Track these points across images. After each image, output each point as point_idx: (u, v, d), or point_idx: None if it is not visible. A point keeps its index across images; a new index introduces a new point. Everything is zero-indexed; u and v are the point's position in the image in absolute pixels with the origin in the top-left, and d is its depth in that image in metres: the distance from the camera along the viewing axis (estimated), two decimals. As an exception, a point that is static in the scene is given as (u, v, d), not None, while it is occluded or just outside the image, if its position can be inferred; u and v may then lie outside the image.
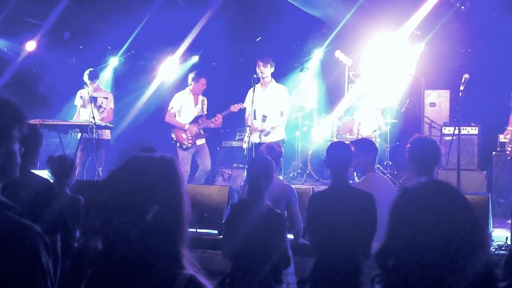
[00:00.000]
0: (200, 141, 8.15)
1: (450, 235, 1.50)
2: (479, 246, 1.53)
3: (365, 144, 4.87)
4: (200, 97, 8.33)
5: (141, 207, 1.57)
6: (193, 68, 10.76)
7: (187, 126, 8.09)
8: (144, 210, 1.57)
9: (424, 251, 1.50)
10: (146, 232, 1.56)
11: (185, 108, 8.23)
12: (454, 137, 7.10)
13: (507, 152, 7.30)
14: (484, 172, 7.86)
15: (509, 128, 7.29)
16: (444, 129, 8.34)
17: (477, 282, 1.51)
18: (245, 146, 7.47)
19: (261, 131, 7.47)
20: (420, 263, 1.50)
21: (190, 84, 8.25)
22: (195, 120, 8.14)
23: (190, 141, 8.06)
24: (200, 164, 8.19)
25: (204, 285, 1.58)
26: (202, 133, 8.14)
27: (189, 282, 1.56)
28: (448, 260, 1.49)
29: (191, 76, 8.31)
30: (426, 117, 8.90)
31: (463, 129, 7.65)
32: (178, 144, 8.10)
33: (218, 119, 8.02)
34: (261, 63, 7.43)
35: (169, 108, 8.26)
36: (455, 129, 6.99)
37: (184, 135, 8.09)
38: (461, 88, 6.59)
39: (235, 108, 7.94)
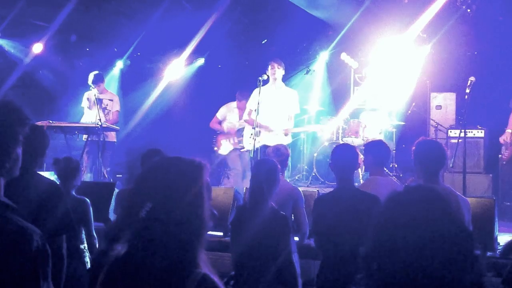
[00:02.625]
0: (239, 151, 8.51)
1: (431, 242, 1.50)
2: (464, 253, 1.53)
3: (369, 146, 4.85)
4: None
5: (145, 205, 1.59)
6: (199, 70, 10.81)
7: (226, 130, 8.61)
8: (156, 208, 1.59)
9: (407, 256, 1.50)
10: (159, 232, 1.58)
11: (229, 121, 8.69)
12: (460, 140, 7.07)
13: (503, 157, 7.26)
14: (490, 175, 7.83)
15: (508, 130, 7.25)
16: (450, 131, 8.32)
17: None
18: (250, 148, 7.40)
19: (286, 133, 7.43)
20: (403, 268, 1.50)
21: (237, 100, 8.72)
22: (239, 132, 8.52)
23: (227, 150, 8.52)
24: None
25: (216, 284, 1.60)
26: (240, 145, 8.44)
27: (202, 281, 1.57)
28: (431, 266, 1.48)
29: (238, 93, 8.75)
30: (432, 119, 8.88)
31: (469, 131, 7.64)
32: (215, 148, 8.62)
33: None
34: (275, 64, 7.39)
35: (215, 116, 8.84)
36: (461, 131, 6.96)
37: (223, 142, 8.59)
38: (467, 90, 6.58)
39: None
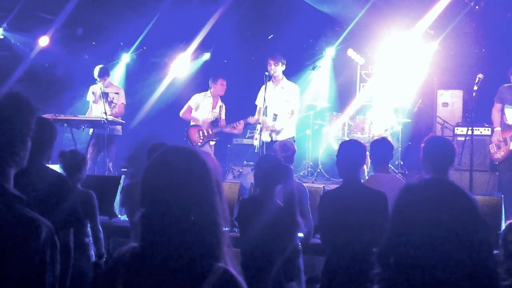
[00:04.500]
0: (211, 143, 8.27)
1: (452, 233, 1.49)
2: (482, 244, 1.52)
3: (372, 144, 4.83)
4: (219, 103, 8.42)
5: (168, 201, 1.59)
6: (205, 65, 10.79)
7: (201, 121, 8.16)
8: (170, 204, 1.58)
9: (425, 249, 1.49)
10: (174, 225, 1.57)
11: (202, 109, 8.31)
12: (467, 138, 7.03)
13: (497, 156, 7.17)
14: (497, 173, 7.78)
15: (497, 128, 7.18)
16: (457, 129, 8.28)
17: (480, 281, 1.49)
18: (255, 143, 7.48)
19: (272, 130, 7.46)
20: (421, 261, 1.49)
21: (211, 87, 8.35)
22: (212, 124, 8.23)
23: (201, 141, 8.13)
24: None
25: (237, 279, 1.59)
26: (214, 136, 8.24)
27: (223, 275, 1.57)
28: (450, 259, 1.47)
29: (210, 79, 8.40)
30: (439, 117, 8.85)
31: (476, 129, 7.58)
32: (188, 142, 8.16)
33: (240, 124, 8.02)
34: (272, 62, 7.40)
35: (186, 105, 8.33)
36: (468, 129, 6.92)
37: (196, 135, 8.16)
38: (475, 88, 6.53)
39: (252, 120, 7.91)
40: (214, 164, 1.68)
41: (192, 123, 8.31)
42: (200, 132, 8.17)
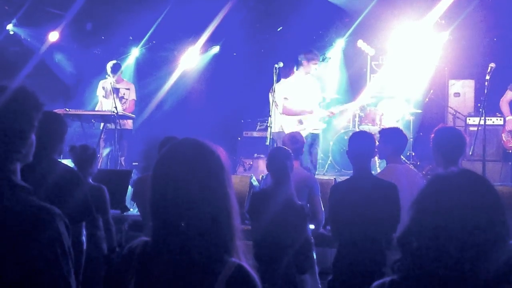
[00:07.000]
0: None
1: (478, 225, 1.49)
2: (505, 237, 1.52)
3: (386, 134, 4.76)
4: None
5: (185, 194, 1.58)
6: (214, 58, 10.78)
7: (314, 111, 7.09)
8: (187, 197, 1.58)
9: (449, 238, 1.49)
10: (186, 217, 1.57)
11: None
12: (479, 128, 6.97)
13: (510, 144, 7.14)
14: (510, 163, 7.72)
15: (510, 117, 7.12)
16: (469, 119, 8.22)
17: (499, 274, 1.49)
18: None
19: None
20: (444, 249, 1.49)
21: (303, 67, 7.03)
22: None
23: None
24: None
25: (251, 275, 1.58)
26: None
27: (237, 271, 1.56)
28: (473, 249, 1.48)
29: (301, 56, 7.05)
30: (450, 107, 8.78)
31: (488, 119, 7.51)
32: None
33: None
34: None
35: (283, 98, 6.99)
36: (480, 119, 6.86)
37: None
38: (487, 77, 6.47)
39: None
40: (225, 156, 1.67)
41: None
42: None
